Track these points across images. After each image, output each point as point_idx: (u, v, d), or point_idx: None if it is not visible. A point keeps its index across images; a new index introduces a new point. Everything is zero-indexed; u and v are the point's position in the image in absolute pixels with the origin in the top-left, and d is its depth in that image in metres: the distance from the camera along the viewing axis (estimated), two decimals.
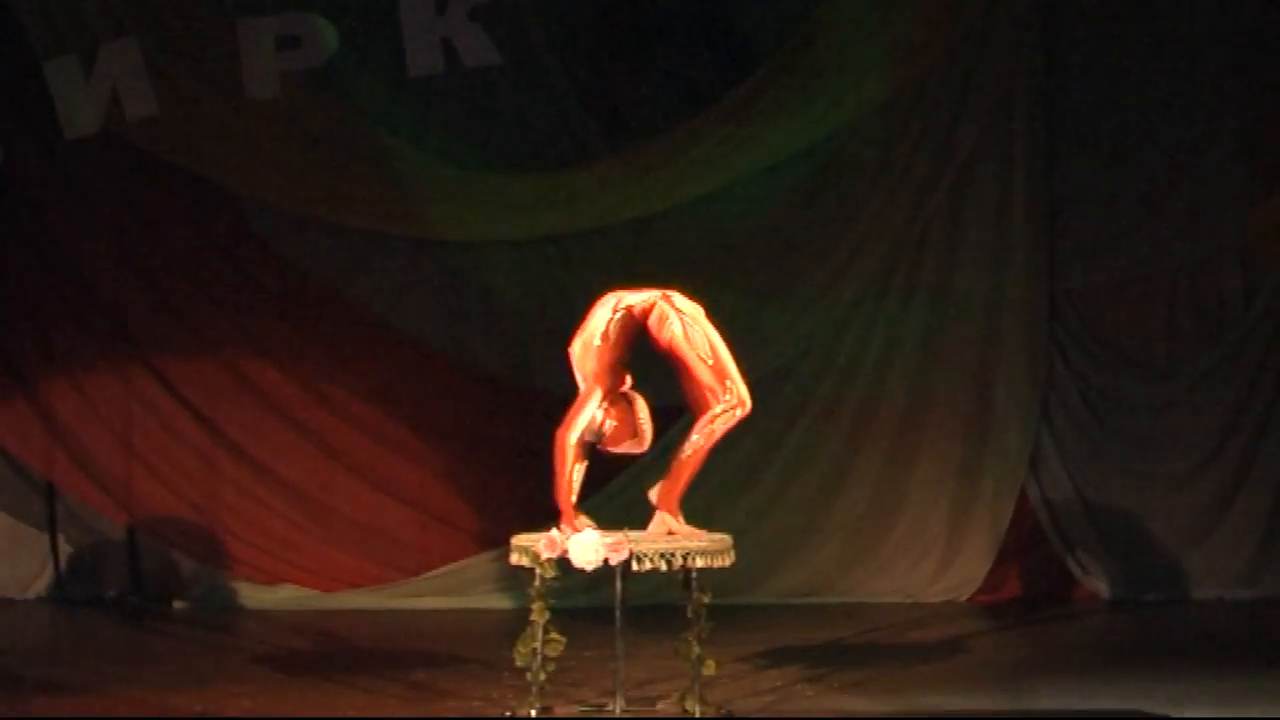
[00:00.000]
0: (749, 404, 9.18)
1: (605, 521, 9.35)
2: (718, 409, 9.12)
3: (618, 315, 9.15)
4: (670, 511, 9.16)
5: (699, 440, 9.14)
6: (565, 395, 12.57)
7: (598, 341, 9.12)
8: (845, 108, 12.60)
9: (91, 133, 12.55)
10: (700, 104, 12.18)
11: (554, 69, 12.62)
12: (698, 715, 8.95)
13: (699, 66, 12.11)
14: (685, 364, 9.13)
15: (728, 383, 9.13)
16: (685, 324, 9.14)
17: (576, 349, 9.18)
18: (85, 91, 12.47)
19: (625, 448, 9.20)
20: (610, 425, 9.13)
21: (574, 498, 9.13)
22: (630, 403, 9.15)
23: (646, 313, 9.15)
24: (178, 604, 12.61)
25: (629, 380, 9.18)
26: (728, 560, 9.07)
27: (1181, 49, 12.68)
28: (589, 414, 9.10)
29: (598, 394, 9.09)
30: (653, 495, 9.22)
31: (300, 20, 12.57)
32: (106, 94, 12.48)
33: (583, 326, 9.16)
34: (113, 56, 12.46)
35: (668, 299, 9.18)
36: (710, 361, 9.13)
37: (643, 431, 9.15)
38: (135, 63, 12.45)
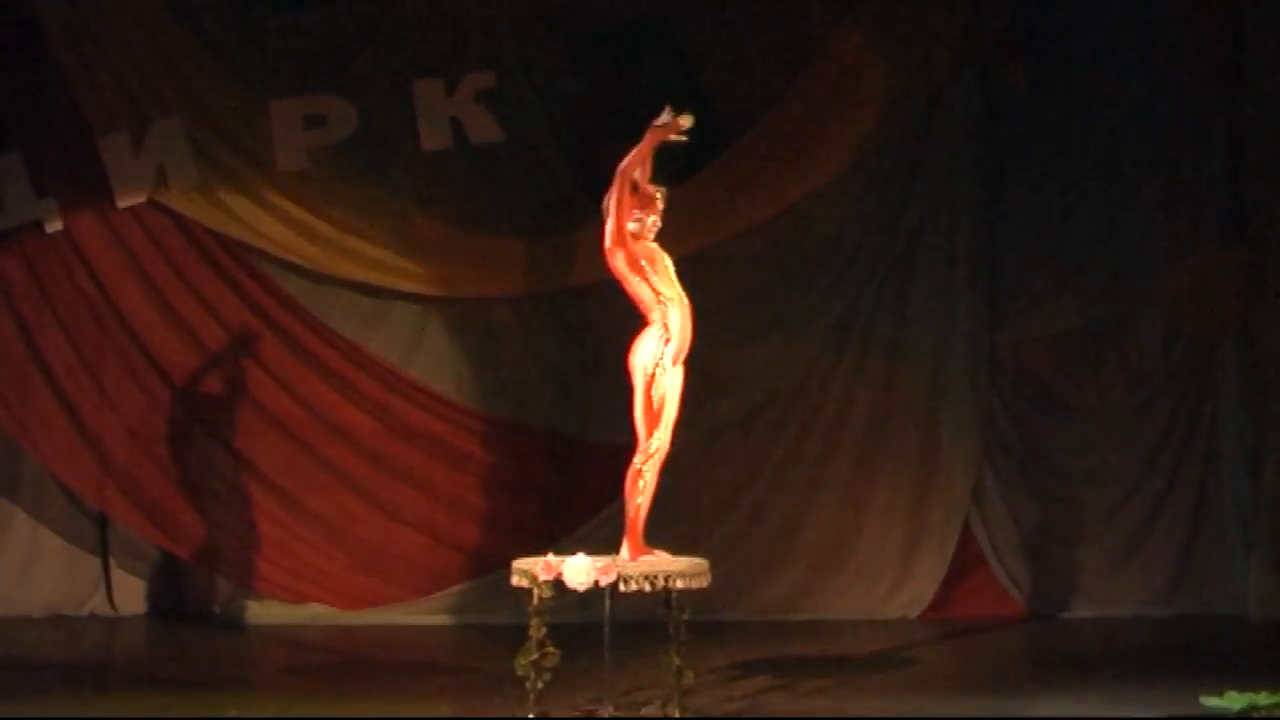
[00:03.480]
0: (667, 444, 9.20)
1: (596, 546, 9.57)
2: (639, 462, 9.15)
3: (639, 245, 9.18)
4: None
5: (639, 497, 9.19)
6: (561, 433, 12.52)
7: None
8: (812, 178, 12.63)
9: (140, 201, 12.56)
10: (681, 176, 11.60)
11: (551, 145, 12.69)
12: (678, 719, 9.04)
13: (680, 143, 12.02)
14: (633, 389, 9.17)
15: (656, 433, 9.13)
16: (658, 371, 9.14)
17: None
18: (135, 164, 12.49)
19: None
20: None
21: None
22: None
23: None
24: (215, 620, 12.61)
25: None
26: (704, 582, 9.17)
27: (1107, 124, 12.71)
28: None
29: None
30: (624, 553, 9.23)
31: (326, 101, 12.60)
32: (154, 167, 12.51)
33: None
34: (160, 133, 12.49)
35: (665, 329, 9.14)
36: (656, 407, 9.14)
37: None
38: (180, 139, 12.48)
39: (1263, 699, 9.31)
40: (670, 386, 9.18)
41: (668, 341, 9.17)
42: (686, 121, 9.22)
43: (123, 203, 12.60)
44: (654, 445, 9.15)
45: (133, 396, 12.67)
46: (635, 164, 9.21)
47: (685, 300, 9.25)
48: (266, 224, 12.60)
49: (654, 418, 9.14)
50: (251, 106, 12.62)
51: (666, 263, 9.27)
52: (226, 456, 12.72)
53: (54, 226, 12.60)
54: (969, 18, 12.62)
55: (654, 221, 9.29)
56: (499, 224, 12.76)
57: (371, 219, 12.66)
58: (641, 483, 9.18)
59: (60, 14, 12.49)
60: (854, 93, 12.62)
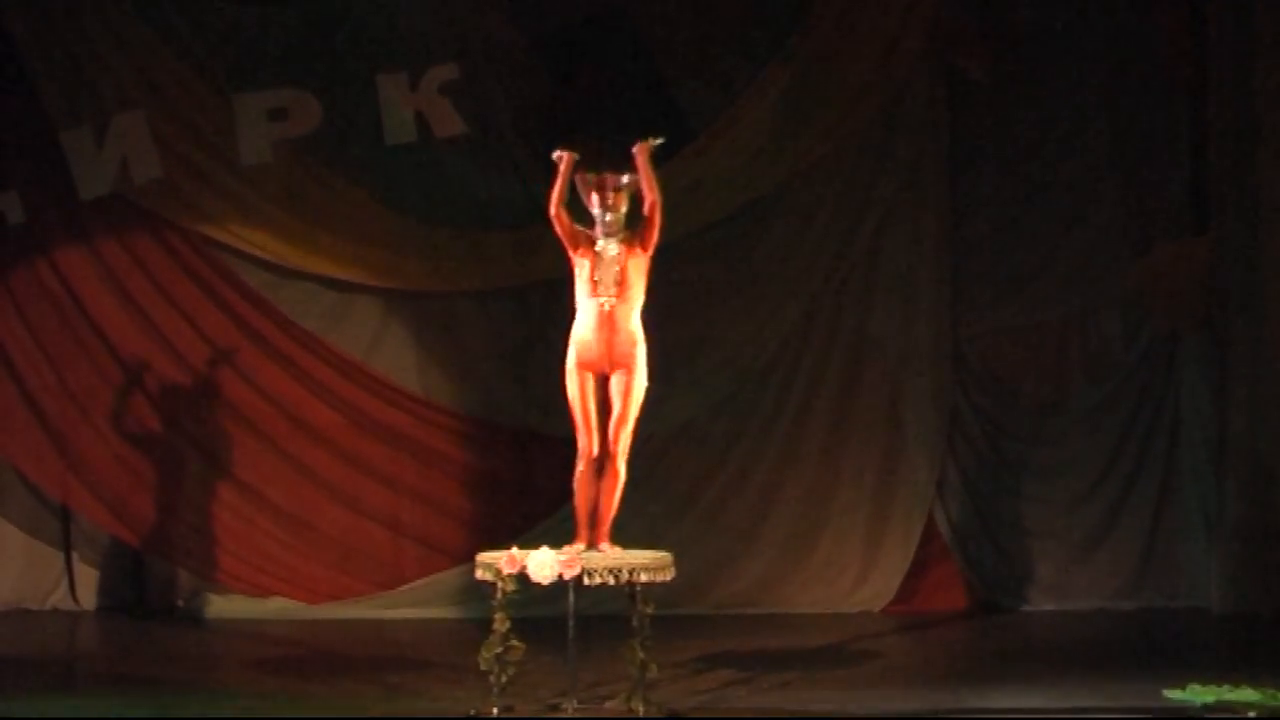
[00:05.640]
0: (589, 449, 9.34)
1: (561, 539, 9.53)
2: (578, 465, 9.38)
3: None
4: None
5: (578, 498, 9.41)
6: (525, 427, 12.60)
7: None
8: (769, 177, 12.69)
9: (103, 194, 12.59)
10: None
11: (513, 139, 12.70)
12: (641, 713, 9.06)
13: (640, 137, 12.04)
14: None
15: (578, 435, 9.34)
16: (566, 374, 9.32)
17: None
18: (98, 158, 12.54)
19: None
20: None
21: None
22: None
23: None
24: (178, 614, 12.61)
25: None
26: (668, 575, 9.22)
27: (1070, 124, 12.80)
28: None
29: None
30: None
31: (289, 95, 12.64)
32: (117, 160, 12.54)
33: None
34: (122, 127, 12.53)
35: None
36: (572, 409, 9.34)
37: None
38: (142, 133, 12.51)
39: (1226, 692, 9.34)
40: (570, 389, 9.34)
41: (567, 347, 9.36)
42: (568, 158, 9.40)
43: (86, 196, 12.63)
44: (579, 447, 9.32)
45: (96, 390, 12.72)
46: (553, 203, 9.42)
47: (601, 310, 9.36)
48: (229, 217, 12.66)
49: (574, 420, 9.34)
50: (215, 100, 12.69)
51: (610, 275, 9.35)
52: (190, 450, 12.77)
53: (16, 219, 12.62)
54: (932, 13, 12.70)
55: (613, 220, 9.37)
56: (463, 218, 12.79)
57: (335, 212, 12.71)
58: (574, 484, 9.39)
59: (22, 8, 12.53)
60: (817, 88, 12.69)
